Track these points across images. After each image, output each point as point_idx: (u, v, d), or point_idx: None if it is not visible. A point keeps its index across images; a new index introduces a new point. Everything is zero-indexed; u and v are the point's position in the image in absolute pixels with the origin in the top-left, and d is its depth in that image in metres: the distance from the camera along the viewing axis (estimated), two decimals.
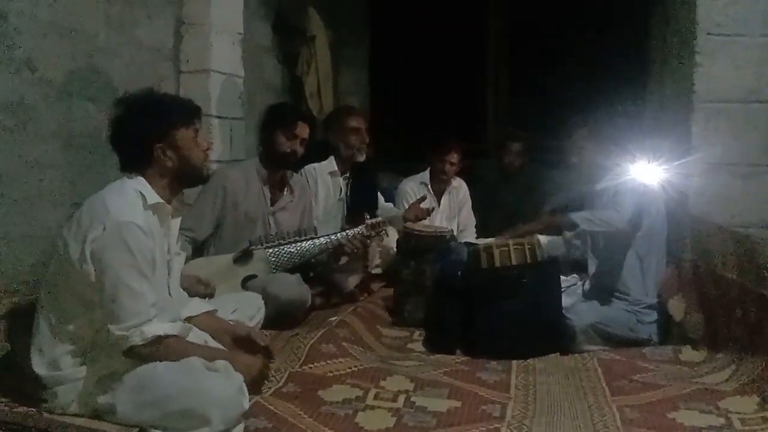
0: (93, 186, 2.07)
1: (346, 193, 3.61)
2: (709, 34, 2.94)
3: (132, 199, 1.84)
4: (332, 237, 3.00)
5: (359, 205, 3.55)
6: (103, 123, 2.60)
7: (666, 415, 2.00)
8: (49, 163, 2.46)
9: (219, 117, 3.26)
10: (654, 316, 2.84)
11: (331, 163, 3.55)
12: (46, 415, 1.82)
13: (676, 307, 2.78)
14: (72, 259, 1.78)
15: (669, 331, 2.82)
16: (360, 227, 3.05)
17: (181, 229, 2.72)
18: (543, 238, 3.16)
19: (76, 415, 1.82)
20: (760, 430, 1.90)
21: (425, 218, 3.48)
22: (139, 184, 1.88)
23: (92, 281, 1.77)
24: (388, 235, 3.34)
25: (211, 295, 2.60)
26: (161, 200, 1.90)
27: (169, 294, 2.00)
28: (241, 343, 2.09)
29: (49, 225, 2.39)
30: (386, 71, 5.63)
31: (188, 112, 1.99)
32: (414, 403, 2.05)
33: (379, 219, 3.11)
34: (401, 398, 2.08)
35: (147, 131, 1.90)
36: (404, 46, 5.56)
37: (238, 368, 1.82)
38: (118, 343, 1.78)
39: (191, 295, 2.31)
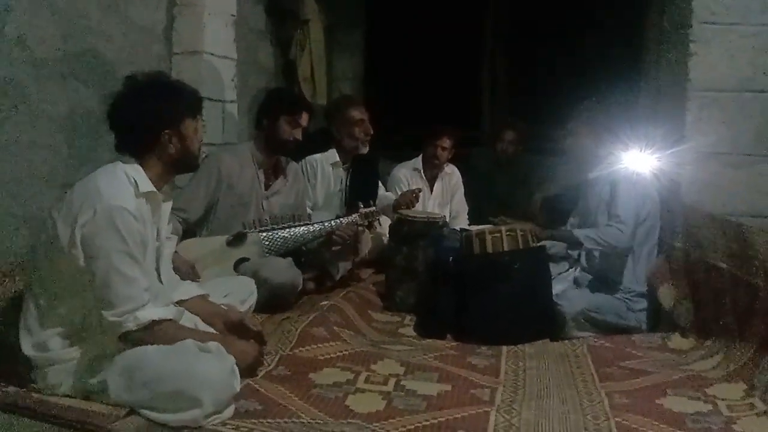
0: (85, 167, 2.06)
1: (346, 183, 3.60)
2: (704, 22, 2.94)
3: (124, 183, 1.83)
4: (326, 224, 3.01)
5: (359, 195, 3.54)
6: (96, 104, 2.62)
7: (654, 401, 2.01)
8: (41, 144, 2.44)
9: (211, 99, 3.24)
10: (644, 303, 2.86)
11: (333, 155, 3.55)
12: (35, 395, 1.82)
13: (666, 294, 2.80)
14: (61, 242, 1.77)
15: (658, 319, 2.84)
16: (353, 216, 3.06)
17: (173, 209, 2.72)
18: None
19: (66, 395, 1.82)
20: (746, 416, 1.91)
21: (415, 203, 3.49)
22: (132, 170, 1.87)
23: (81, 265, 1.76)
24: (381, 225, 3.34)
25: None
26: (153, 189, 1.89)
27: (160, 279, 1.99)
28: (233, 328, 2.10)
29: (41, 206, 2.37)
30: (381, 57, 5.59)
31: (197, 103, 2.01)
32: (404, 386, 2.06)
33: (372, 209, 3.12)
34: (392, 382, 2.09)
35: (160, 115, 1.90)
36: (400, 32, 5.53)
37: (232, 354, 1.82)
38: (112, 329, 1.78)
39: (181, 275, 2.31)
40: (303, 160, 3.44)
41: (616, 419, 1.85)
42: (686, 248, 2.84)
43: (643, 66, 3.88)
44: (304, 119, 3.02)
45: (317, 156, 3.51)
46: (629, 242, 2.81)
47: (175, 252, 2.46)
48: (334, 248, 3.13)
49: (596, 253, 2.94)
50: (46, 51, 2.44)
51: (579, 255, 3.06)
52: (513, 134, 4.37)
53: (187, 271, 2.57)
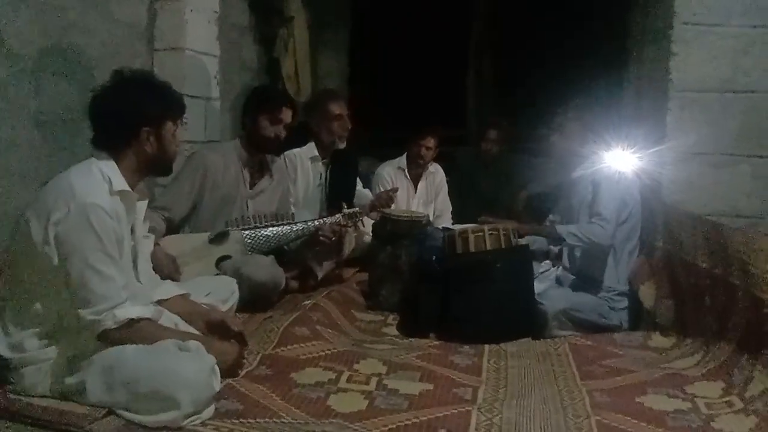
0: (64, 164, 2.03)
1: (326, 178, 3.59)
2: (685, 23, 2.96)
3: (98, 181, 1.82)
4: (309, 223, 3.00)
5: (339, 190, 3.53)
6: (76, 100, 2.59)
7: (635, 399, 2.03)
8: (19, 141, 2.41)
9: (193, 96, 3.21)
10: (625, 302, 2.87)
11: (311, 149, 3.52)
12: (12, 396, 1.79)
13: (647, 293, 2.82)
14: (34, 240, 1.75)
15: (639, 318, 2.86)
16: (337, 216, 3.06)
17: (157, 208, 2.72)
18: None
19: (43, 396, 1.80)
20: (725, 413, 1.93)
21: (391, 204, 3.49)
22: (107, 167, 1.85)
23: (55, 264, 1.74)
24: (364, 225, 3.33)
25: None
26: (127, 188, 1.87)
27: (137, 278, 1.98)
28: (214, 328, 2.08)
29: (17, 204, 2.34)
30: (366, 55, 5.59)
31: (180, 107, 2.01)
32: (386, 386, 2.05)
33: (356, 209, 3.12)
34: (374, 381, 2.09)
35: (142, 110, 1.89)
36: (385, 30, 5.53)
37: (212, 354, 1.80)
38: (89, 328, 1.76)
39: (161, 270, 2.29)
40: (282, 155, 3.41)
41: (597, 417, 1.86)
42: (667, 248, 2.86)
43: (625, 66, 3.90)
44: (285, 115, 3.00)
45: (296, 150, 3.49)
46: (610, 239, 2.82)
47: (156, 245, 2.44)
48: (317, 248, 3.11)
49: (578, 252, 2.96)
50: (25, 46, 2.41)
51: (560, 253, 3.08)
52: (497, 133, 4.38)
53: (167, 264, 2.55)
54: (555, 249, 3.10)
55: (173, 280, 2.50)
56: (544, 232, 3.04)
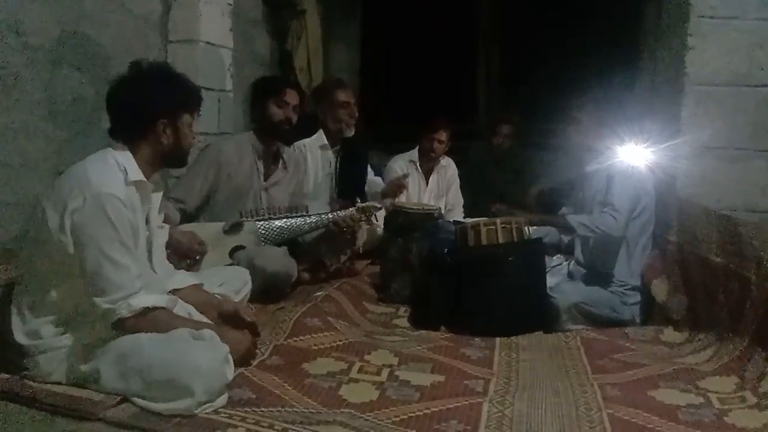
0: (78, 154, 2.05)
1: (336, 166, 3.59)
2: (701, 16, 2.94)
3: (114, 171, 1.83)
4: (323, 216, 3.00)
5: (349, 179, 3.53)
6: (90, 91, 2.61)
7: (646, 393, 2.02)
8: (34, 131, 2.42)
9: (206, 89, 3.22)
10: (637, 297, 2.86)
11: (320, 137, 3.53)
12: (28, 382, 1.81)
13: (659, 288, 2.80)
14: (50, 229, 1.77)
15: (652, 312, 2.85)
16: (351, 210, 3.05)
17: (172, 199, 2.74)
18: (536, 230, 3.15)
19: (58, 383, 1.82)
20: (737, 408, 1.92)
21: (402, 191, 3.48)
22: (123, 157, 1.87)
23: (71, 253, 1.76)
24: (377, 220, 3.34)
25: (202, 254, 2.64)
26: (143, 178, 1.89)
27: (152, 268, 1.99)
28: (227, 318, 2.09)
29: (33, 193, 2.36)
30: (378, 49, 5.58)
31: (197, 100, 2.02)
32: (398, 376, 2.06)
33: (370, 203, 3.12)
34: (385, 372, 2.09)
35: (159, 102, 1.90)
36: (397, 24, 5.51)
37: (226, 344, 1.81)
38: (104, 316, 1.78)
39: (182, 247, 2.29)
40: (292, 146, 3.42)
41: (609, 411, 1.86)
42: (680, 242, 2.85)
43: (639, 60, 3.88)
44: (290, 96, 3.01)
45: (306, 141, 3.49)
46: (622, 231, 2.80)
47: (174, 229, 2.46)
48: (330, 240, 3.12)
49: (590, 246, 2.94)
50: (40, 37, 2.42)
51: (573, 246, 3.07)
52: (509, 128, 4.37)
53: (188, 240, 2.59)
54: (566, 239, 3.09)
55: (194, 255, 2.56)
56: (555, 223, 3.03)
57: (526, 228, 2.81)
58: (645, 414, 1.86)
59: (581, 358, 2.38)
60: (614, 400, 1.95)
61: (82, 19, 2.63)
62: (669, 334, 2.65)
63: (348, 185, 3.15)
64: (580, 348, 2.49)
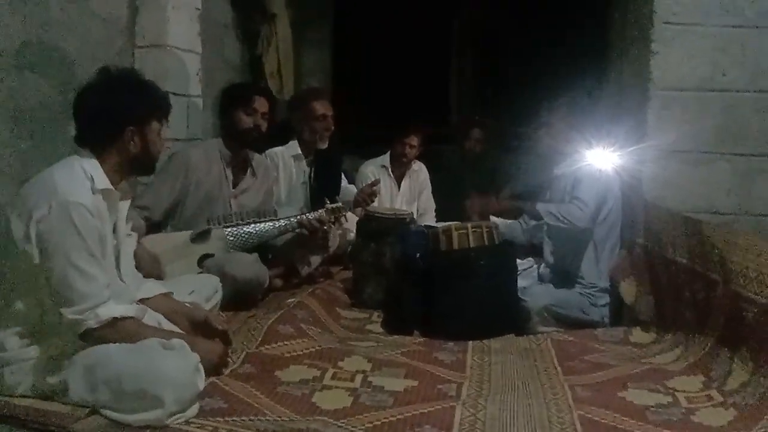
0: (43, 162, 2.01)
1: (310, 176, 3.58)
2: (665, 22, 2.99)
3: (81, 179, 1.80)
4: (291, 219, 2.98)
5: (323, 188, 3.52)
6: (56, 97, 2.56)
7: (616, 393, 2.05)
8: None
9: (175, 94, 3.18)
10: (606, 299, 2.91)
11: (293, 147, 3.51)
12: None
13: (628, 290, 2.85)
14: (15, 238, 1.74)
15: (620, 314, 2.90)
16: (320, 211, 3.04)
17: (137, 207, 2.70)
18: (501, 222, 3.19)
19: (25, 396, 1.78)
20: (704, 407, 1.96)
21: (374, 197, 3.48)
22: (89, 165, 1.84)
23: (36, 262, 1.73)
24: (347, 221, 3.34)
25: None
26: (110, 186, 1.86)
27: (120, 277, 1.96)
28: (197, 326, 2.07)
29: None
30: (350, 53, 5.58)
31: (166, 107, 2.00)
32: (371, 382, 2.06)
33: (339, 204, 3.11)
34: (358, 378, 2.09)
35: (127, 110, 1.87)
36: (369, 28, 5.53)
37: (197, 353, 1.79)
38: (72, 327, 1.75)
39: (144, 268, 2.28)
40: (264, 154, 3.40)
41: (579, 412, 1.88)
42: (647, 244, 2.90)
43: (606, 64, 3.94)
44: (259, 104, 2.98)
45: (278, 149, 3.47)
46: (588, 222, 2.84)
47: (139, 243, 2.42)
48: (301, 245, 3.10)
49: (558, 248, 2.98)
50: (4, 42, 2.38)
51: (543, 249, 3.10)
52: (480, 132, 4.41)
53: (150, 263, 2.53)
54: (527, 238, 3.14)
55: (156, 278, 2.49)
56: (524, 209, 3.09)
57: (495, 230, 2.84)
58: (615, 414, 1.89)
59: (552, 359, 2.41)
60: (585, 401, 1.97)
61: (48, 23, 2.58)
62: (638, 334, 2.70)
63: (322, 195, 3.14)
64: (551, 350, 2.51)
